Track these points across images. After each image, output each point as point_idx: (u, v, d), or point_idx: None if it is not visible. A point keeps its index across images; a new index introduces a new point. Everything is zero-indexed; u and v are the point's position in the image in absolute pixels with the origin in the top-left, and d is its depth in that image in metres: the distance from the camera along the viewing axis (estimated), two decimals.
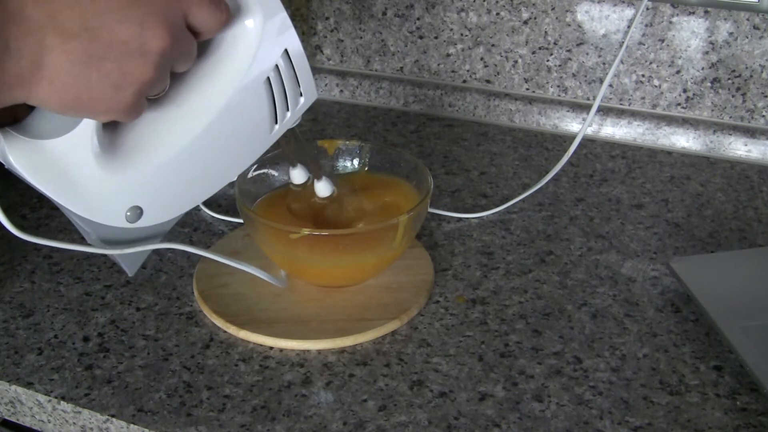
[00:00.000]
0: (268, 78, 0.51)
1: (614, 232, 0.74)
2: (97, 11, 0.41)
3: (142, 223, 0.50)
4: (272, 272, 0.66)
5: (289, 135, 0.58)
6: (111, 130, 0.48)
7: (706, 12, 0.86)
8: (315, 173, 0.63)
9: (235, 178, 0.55)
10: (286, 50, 0.51)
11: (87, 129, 0.45)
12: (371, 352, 0.59)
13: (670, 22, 0.88)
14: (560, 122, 0.95)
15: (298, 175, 0.64)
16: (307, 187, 0.65)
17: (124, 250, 0.52)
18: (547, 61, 0.95)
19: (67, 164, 0.45)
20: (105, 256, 0.70)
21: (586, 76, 0.94)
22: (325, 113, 1.01)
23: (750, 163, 0.88)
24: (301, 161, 0.63)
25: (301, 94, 0.54)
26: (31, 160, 0.44)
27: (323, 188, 0.63)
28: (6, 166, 0.45)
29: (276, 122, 0.54)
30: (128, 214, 0.49)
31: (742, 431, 0.52)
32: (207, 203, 0.78)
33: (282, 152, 0.64)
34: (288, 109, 0.54)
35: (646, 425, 0.53)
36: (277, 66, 0.51)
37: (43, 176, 0.45)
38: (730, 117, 0.90)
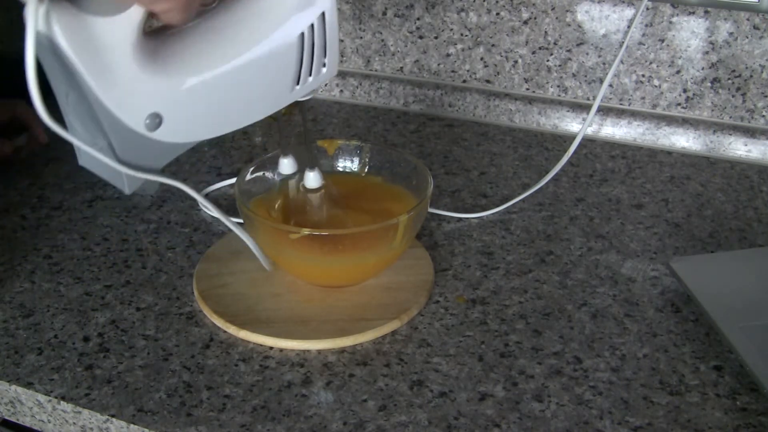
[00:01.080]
0: (302, 34, 0.53)
1: (614, 232, 0.74)
2: None
3: (157, 135, 0.50)
4: (272, 271, 0.66)
5: (297, 110, 0.59)
6: (154, 37, 0.49)
7: (706, 12, 0.86)
8: (310, 161, 0.63)
9: (247, 124, 0.55)
10: (323, 13, 0.54)
11: (134, 17, 0.46)
12: (371, 352, 0.59)
13: (670, 22, 0.88)
14: (560, 122, 0.95)
15: (287, 166, 0.64)
16: (293, 199, 0.64)
17: (137, 174, 0.51)
18: (547, 61, 0.95)
19: (106, 45, 0.46)
20: (105, 255, 0.70)
21: (586, 76, 0.94)
22: (325, 113, 1.01)
23: (750, 163, 0.88)
24: (297, 145, 0.63)
25: (324, 65, 0.56)
26: (74, 31, 0.45)
27: (313, 179, 0.63)
28: (47, 35, 0.45)
29: (297, 83, 0.55)
30: (147, 122, 0.49)
31: (742, 431, 0.52)
32: None
33: (279, 132, 0.64)
34: (310, 74, 0.56)
35: (646, 425, 0.53)
36: (312, 25, 0.53)
37: (81, 50, 0.45)
38: (730, 117, 0.90)
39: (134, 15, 0.46)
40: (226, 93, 0.52)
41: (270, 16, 0.52)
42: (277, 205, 0.66)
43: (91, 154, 0.50)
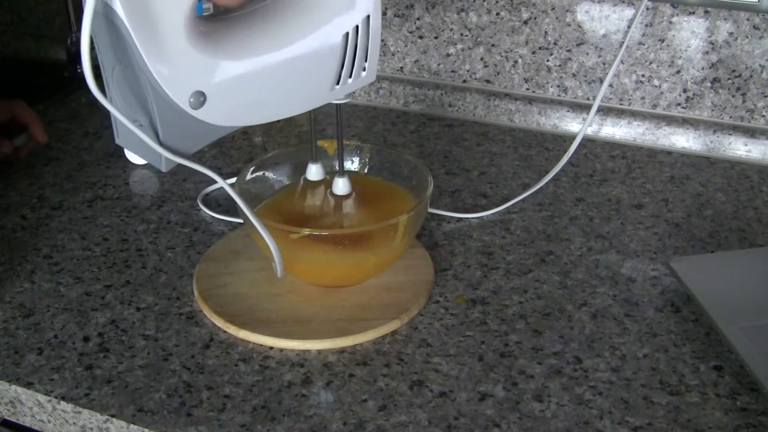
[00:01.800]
0: (347, 34, 0.54)
1: (614, 232, 0.74)
2: None
3: (199, 114, 0.51)
4: (272, 272, 0.66)
5: (334, 112, 0.61)
6: (206, 21, 0.50)
7: (706, 12, 0.86)
8: (340, 167, 0.64)
9: (282, 117, 0.57)
10: (368, 16, 0.55)
11: None
12: (371, 352, 0.59)
13: (670, 22, 0.88)
14: (560, 122, 0.95)
15: (315, 172, 0.65)
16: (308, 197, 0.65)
17: (173, 157, 0.53)
18: (547, 61, 0.95)
19: (160, 18, 0.47)
20: (105, 255, 0.71)
21: (586, 76, 0.94)
22: (325, 113, 1.00)
23: (750, 163, 0.88)
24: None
25: (364, 69, 0.57)
26: (132, 1, 0.46)
27: (343, 186, 0.64)
28: (105, 0, 0.46)
29: (337, 83, 0.56)
30: (191, 99, 0.50)
31: (742, 431, 0.52)
32: (207, 203, 0.78)
33: (312, 135, 0.65)
34: (350, 77, 0.57)
35: (646, 425, 0.53)
36: (357, 27, 0.55)
37: (136, 19, 0.46)
38: (730, 117, 0.90)
39: None
40: (268, 82, 0.53)
41: (318, 11, 0.54)
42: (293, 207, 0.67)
43: (129, 133, 0.51)
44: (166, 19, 0.47)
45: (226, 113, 0.53)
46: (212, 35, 0.50)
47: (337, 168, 0.65)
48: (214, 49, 0.50)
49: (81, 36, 0.45)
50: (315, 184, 0.67)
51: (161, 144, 0.52)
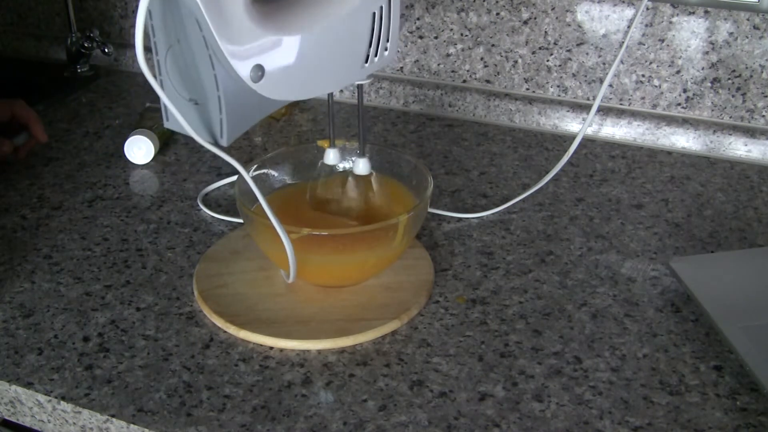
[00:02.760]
0: (374, 14, 0.58)
1: (614, 232, 0.74)
2: None
3: (258, 87, 0.53)
4: (272, 271, 0.66)
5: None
6: (260, 1, 0.54)
7: (706, 12, 0.86)
8: (361, 147, 0.65)
9: (325, 92, 0.60)
10: None
11: None
12: (371, 352, 0.59)
13: (670, 22, 0.88)
14: (560, 122, 0.95)
15: (333, 156, 0.67)
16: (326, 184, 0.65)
17: (211, 148, 0.55)
18: (547, 61, 0.95)
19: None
20: (105, 255, 0.71)
21: (586, 76, 0.94)
22: (325, 113, 1.01)
23: (750, 163, 0.88)
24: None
25: (386, 49, 0.60)
26: None
27: (363, 166, 0.65)
28: None
29: (366, 62, 0.60)
30: (251, 73, 0.52)
31: (742, 431, 0.52)
32: (207, 203, 0.78)
33: (330, 123, 0.67)
34: (376, 55, 0.60)
35: (646, 425, 0.53)
36: (381, 7, 0.58)
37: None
38: (730, 117, 0.90)
39: None
40: (314, 56, 0.56)
41: None
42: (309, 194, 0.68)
43: (179, 115, 0.53)
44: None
45: (280, 86, 0.55)
46: (267, 13, 0.53)
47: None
48: (269, 25, 0.53)
49: (136, 17, 0.47)
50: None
51: (221, 116, 0.54)
